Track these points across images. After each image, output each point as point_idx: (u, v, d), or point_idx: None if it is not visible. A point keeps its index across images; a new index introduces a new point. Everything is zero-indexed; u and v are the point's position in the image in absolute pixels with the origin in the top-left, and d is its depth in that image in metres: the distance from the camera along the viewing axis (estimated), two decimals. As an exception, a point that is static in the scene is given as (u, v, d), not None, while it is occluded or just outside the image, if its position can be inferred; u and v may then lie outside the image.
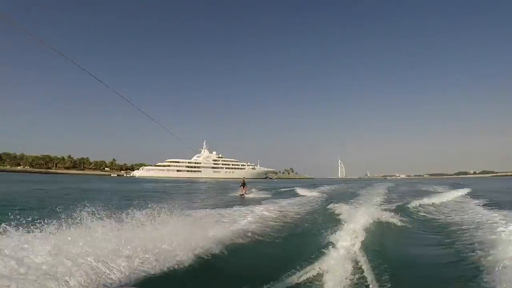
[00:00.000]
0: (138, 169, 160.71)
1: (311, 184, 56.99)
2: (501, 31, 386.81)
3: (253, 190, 31.07)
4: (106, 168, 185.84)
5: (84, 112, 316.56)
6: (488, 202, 18.58)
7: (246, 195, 26.62)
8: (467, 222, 11.35)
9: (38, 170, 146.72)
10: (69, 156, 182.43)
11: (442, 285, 5.88)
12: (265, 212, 13.01)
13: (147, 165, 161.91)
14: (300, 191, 32.20)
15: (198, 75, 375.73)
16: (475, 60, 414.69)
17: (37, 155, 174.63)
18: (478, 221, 11.06)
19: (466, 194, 25.53)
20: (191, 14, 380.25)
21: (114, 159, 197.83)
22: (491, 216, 11.35)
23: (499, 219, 10.36)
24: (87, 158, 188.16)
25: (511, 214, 11.16)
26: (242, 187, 27.61)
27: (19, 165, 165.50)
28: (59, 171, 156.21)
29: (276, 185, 55.67)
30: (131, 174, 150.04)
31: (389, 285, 5.41)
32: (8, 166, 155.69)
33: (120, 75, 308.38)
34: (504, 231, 8.26)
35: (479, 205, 16.79)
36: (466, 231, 9.88)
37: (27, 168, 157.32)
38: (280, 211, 14.22)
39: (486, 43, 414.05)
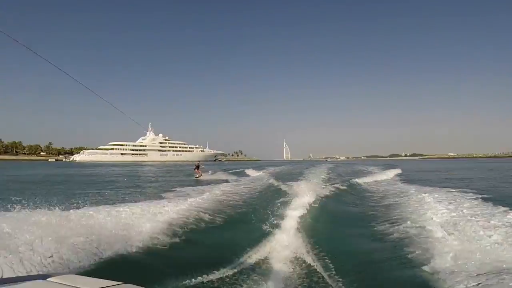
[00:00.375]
0: (78, 153, 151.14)
1: (259, 166, 57.68)
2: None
3: (209, 172, 31.23)
4: (41, 153, 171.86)
5: (11, 90, 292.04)
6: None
7: (201, 178, 26.68)
8: (392, 194, 13.85)
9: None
10: None
11: (374, 257, 6.26)
12: (215, 194, 13.09)
13: (88, 149, 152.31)
14: (249, 172, 33.34)
15: (143, 48, 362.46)
16: (412, 51, 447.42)
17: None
18: (400, 192, 13.79)
19: (397, 174, 28.97)
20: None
21: (50, 143, 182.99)
22: (414, 191, 13.59)
23: (422, 193, 12.17)
24: (20, 142, 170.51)
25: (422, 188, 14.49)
26: (196, 169, 27.95)
27: None
28: None
29: (227, 166, 56.36)
30: (71, 159, 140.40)
31: (328, 260, 5.71)
32: None
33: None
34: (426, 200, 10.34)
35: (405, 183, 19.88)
36: (392, 203, 11.51)
37: None
38: (230, 193, 14.48)
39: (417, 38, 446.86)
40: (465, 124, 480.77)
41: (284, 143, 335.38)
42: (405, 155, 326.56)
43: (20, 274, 4.17)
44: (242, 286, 5.06)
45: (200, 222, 8.66)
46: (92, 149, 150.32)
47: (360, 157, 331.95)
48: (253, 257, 6.15)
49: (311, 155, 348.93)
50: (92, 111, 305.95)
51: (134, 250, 5.97)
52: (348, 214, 11.21)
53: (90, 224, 6.44)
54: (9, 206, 6.53)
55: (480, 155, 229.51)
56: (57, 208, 6.82)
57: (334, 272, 5.34)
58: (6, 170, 47.70)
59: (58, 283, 2.00)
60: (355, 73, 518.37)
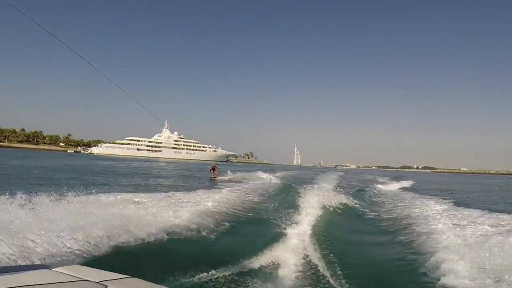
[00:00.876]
0: (95, 145, 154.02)
1: (271, 169, 58.20)
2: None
3: (227, 172, 31.53)
4: (60, 144, 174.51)
5: (34, 83, 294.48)
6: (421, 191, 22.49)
7: (217, 179, 27.13)
8: (404, 208, 13.60)
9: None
10: (22, 129, 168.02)
11: (381, 263, 6.56)
12: (227, 196, 13.37)
13: (105, 142, 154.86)
14: (262, 175, 33.17)
15: (159, 50, 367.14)
16: (427, 57, 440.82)
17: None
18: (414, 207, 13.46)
19: (405, 186, 30.02)
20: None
21: (69, 134, 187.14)
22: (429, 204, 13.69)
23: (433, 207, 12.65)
24: (41, 131, 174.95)
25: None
26: (212, 170, 28.44)
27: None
28: (12, 144, 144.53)
29: (240, 168, 56.55)
30: (89, 151, 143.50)
31: (338, 268, 5.84)
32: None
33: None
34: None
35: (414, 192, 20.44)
36: (402, 215, 11.55)
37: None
38: (242, 194, 14.87)
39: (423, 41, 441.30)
40: (481, 139, 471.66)
41: (295, 148, 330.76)
42: (417, 167, 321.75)
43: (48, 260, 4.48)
44: (249, 286, 5.14)
45: (212, 222, 8.71)
46: (110, 142, 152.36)
47: (371, 167, 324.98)
48: (261, 259, 6.20)
49: (321, 161, 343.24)
50: (112, 104, 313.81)
51: (142, 243, 6.04)
52: (358, 222, 11.43)
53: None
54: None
55: (493, 172, 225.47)
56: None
57: (342, 277, 5.45)
58: (39, 160, 47.27)
59: (63, 273, 2.06)
60: (369, 81, 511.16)
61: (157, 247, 6.15)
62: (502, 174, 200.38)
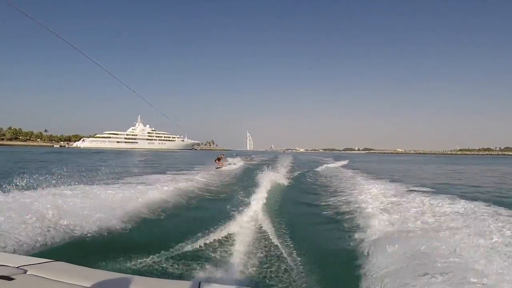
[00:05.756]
0: (76, 140, 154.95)
1: (232, 154, 57.62)
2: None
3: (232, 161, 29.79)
4: (37, 140, 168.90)
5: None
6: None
7: (222, 168, 24.93)
8: (340, 181, 15.24)
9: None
10: (9, 128, 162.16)
11: (325, 232, 6.78)
12: (195, 180, 13.74)
13: (83, 137, 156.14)
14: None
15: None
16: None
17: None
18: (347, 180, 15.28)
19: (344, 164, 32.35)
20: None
21: (45, 130, 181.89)
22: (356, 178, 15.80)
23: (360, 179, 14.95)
24: (20, 129, 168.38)
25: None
26: (217, 160, 26.09)
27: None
28: (4, 142, 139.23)
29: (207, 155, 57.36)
30: (75, 145, 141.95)
31: (288, 238, 5.95)
32: None
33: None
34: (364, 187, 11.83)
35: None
36: (338, 188, 12.55)
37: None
38: (208, 179, 14.95)
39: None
40: (417, 123, 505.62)
41: (248, 134, 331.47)
42: (358, 149, 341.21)
43: None
44: (210, 256, 4.98)
45: (179, 203, 8.95)
46: (88, 136, 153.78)
47: (318, 150, 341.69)
48: (222, 232, 6.11)
49: (272, 146, 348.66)
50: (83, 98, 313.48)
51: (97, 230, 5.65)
52: (303, 195, 11.93)
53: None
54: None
55: (427, 152, 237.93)
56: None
57: (290, 243, 5.62)
58: (49, 155, 45.29)
59: None
60: (315, 66, 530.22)
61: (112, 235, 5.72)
62: (434, 153, 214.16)
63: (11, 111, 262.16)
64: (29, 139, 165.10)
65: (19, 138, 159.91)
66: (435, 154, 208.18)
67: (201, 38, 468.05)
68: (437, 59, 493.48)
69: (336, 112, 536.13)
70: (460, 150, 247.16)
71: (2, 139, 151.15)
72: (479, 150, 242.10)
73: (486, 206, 7.24)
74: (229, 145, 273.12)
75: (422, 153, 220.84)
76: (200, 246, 5.37)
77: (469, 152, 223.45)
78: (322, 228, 7.11)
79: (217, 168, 24.50)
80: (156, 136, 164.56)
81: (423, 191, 10.40)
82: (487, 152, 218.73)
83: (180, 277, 4.11)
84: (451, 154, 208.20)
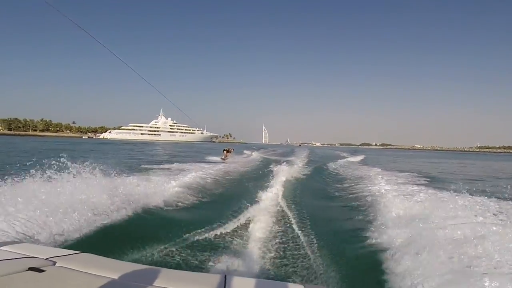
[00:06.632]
0: (102, 132, 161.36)
1: (249, 147, 61.17)
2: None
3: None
4: (67, 131, 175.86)
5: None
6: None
7: (226, 160, 24.05)
8: (357, 177, 14.51)
9: (16, 132, 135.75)
10: (42, 119, 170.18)
11: (343, 223, 6.63)
12: (212, 171, 13.45)
13: (109, 128, 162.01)
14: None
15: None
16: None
17: (4, 118, 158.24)
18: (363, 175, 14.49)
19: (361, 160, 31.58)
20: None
21: (73, 122, 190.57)
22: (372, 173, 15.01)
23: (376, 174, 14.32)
24: (50, 120, 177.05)
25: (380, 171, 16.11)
26: (226, 152, 25.87)
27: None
28: (39, 134, 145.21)
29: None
30: (102, 136, 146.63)
31: (308, 227, 5.86)
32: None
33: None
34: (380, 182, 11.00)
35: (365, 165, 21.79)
36: (355, 182, 12.39)
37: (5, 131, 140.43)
38: (225, 170, 14.91)
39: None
40: (437, 119, 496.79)
41: (264, 127, 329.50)
42: (375, 144, 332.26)
43: None
44: (227, 246, 4.91)
45: (201, 193, 8.95)
46: (113, 128, 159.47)
47: (334, 144, 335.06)
48: (237, 223, 6.05)
49: (288, 140, 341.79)
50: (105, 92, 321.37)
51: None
52: (320, 188, 11.88)
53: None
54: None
55: (445, 149, 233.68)
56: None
57: (312, 236, 5.44)
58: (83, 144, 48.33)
59: (9, 251, 1.87)
60: (336, 62, 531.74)
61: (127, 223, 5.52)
62: (450, 150, 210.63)
63: (42, 104, 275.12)
64: (60, 130, 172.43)
65: (49, 130, 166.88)
66: (452, 151, 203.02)
67: (227, 33, 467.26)
68: (461, 57, 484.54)
69: (354, 107, 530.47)
70: (479, 147, 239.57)
71: (35, 130, 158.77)
72: (499, 148, 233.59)
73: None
74: (245, 138, 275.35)
75: (438, 150, 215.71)
76: (222, 237, 5.30)
77: (487, 150, 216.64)
78: (342, 224, 6.84)
79: (222, 158, 24.39)
80: (177, 129, 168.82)
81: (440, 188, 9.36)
82: (506, 150, 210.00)
83: (206, 269, 4.06)
84: (468, 151, 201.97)
